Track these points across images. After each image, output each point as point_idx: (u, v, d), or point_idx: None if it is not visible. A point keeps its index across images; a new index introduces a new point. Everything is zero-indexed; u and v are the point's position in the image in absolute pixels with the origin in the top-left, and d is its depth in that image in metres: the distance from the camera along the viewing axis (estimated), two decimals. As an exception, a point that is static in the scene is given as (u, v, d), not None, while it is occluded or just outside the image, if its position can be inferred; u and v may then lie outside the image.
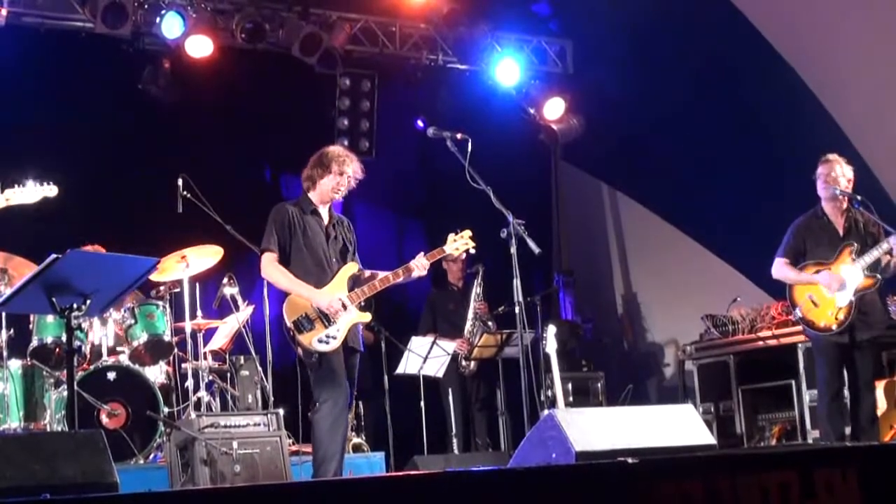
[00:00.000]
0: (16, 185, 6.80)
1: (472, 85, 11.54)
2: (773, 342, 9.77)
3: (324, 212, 6.85)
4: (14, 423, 7.76)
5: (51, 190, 6.84)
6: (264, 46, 10.49)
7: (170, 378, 8.64)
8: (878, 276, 7.54)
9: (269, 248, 6.67)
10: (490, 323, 10.00)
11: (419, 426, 9.45)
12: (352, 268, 6.81)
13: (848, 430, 7.67)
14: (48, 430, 7.77)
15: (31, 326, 8.15)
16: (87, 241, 8.52)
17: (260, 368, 8.75)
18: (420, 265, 6.81)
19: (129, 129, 10.04)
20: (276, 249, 6.66)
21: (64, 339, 7.01)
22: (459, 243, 7.09)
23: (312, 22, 10.59)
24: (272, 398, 8.41)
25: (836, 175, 7.63)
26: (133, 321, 8.41)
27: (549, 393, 9.49)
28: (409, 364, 9.37)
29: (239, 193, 9.79)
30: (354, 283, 6.79)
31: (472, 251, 7.17)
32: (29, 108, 9.39)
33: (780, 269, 7.79)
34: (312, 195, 6.83)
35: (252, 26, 10.27)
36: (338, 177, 6.77)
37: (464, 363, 9.90)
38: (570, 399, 10.45)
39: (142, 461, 7.86)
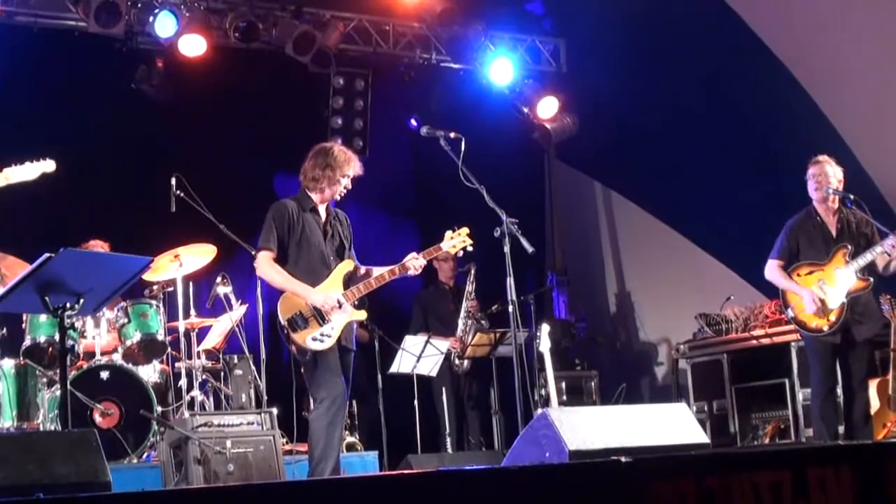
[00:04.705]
0: (14, 164, 6.75)
1: (466, 84, 11.54)
2: (766, 341, 9.79)
3: (322, 208, 6.83)
4: (7, 422, 7.75)
5: (49, 165, 6.76)
6: (258, 45, 10.48)
7: (163, 377, 8.64)
8: (871, 278, 7.57)
9: (266, 246, 6.63)
10: (483, 321, 10.00)
11: (413, 425, 9.45)
12: (347, 265, 6.78)
13: (842, 429, 7.68)
14: (41, 429, 7.76)
15: (24, 326, 8.14)
16: (90, 236, 8.52)
17: (253, 367, 8.76)
18: (415, 265, 6.81)
19: (122, 129, 10.03)
20: (273, 248, 6.63)
21: (57, 338, 7.00)
22: (457, 240, 7.05)
23: (306, 21, 10.59)
24: (266, 397, 8.41)
25: (827, 175, 7.65)
26: (126, 320, 8.40)
27: (543, 392, 9.52)
28: (403, 363, 9.37)
29: (232, 192, 9.78)
30: (350, 280, 6.78)
31: (470, 248, 7.13)
32: (21, 107, 9.38)
33: (772, 271, 7.82)
34: (313, 194, 6.81)
35: (245, 25, 10.26)
36: (344, 179, 6.78)
37: (457, 362, 9.91)
38: (564, 398, 10.46)
39: (135, 460, 7.86)
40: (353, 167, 6.81)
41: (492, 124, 11.02)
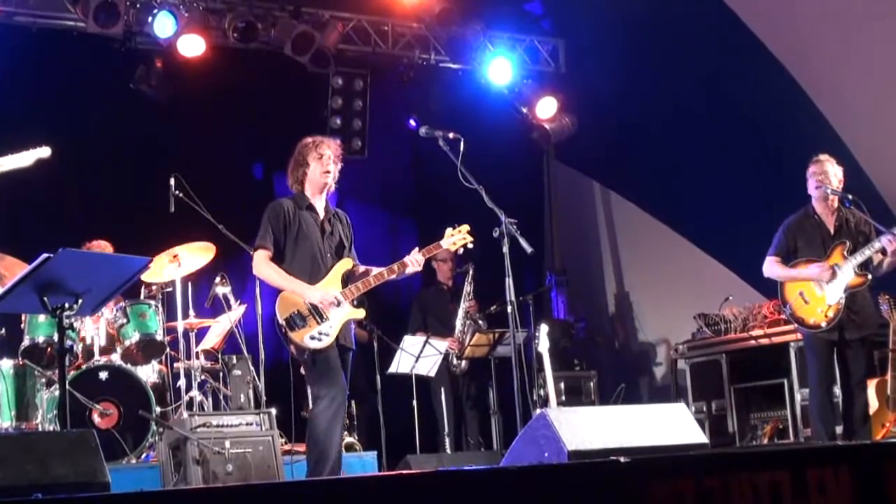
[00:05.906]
0: (8, 154, 6.72)
1: (465, 84, 11.54)
2: (765, 341, 9.79)
3: (319, 206, 6.81)
4: (6, 422, 7.74)
5: (44, 151, 6.72)
6: (256, 45, 10.49)
7: (162, 377, 8.63)
8: (869, 274, 7.57)
9: (262, 245, 6.64)
10: (481, 322, 10.00)
11: (412, 425, 9.45)
12: (346, 264, 6.77)
13: (840, 429, 7.69)
14: (40, 429, 7.75)
15: (22, 326, 8.13)
16: (90, 236, 8.52)
17: (252, 368, 8.75)
18: (415, 260, 6.78)
19: (121, 129, 10.03)
20: (269, 247, 6.63)
21: (56, 338, 6.99)
22: (457, 237, 7.01)
23: (305, 21, 10.59)
24: (264, 397, 8.40)
25: (827, 175, 7.67)
26: (125, 320, 8.39)
27: (542, 392, 9.51)
28: (402, 363, 9.37)
29: (231, 193, 9.78)
30: (348, 279, 6.76)
31: (470, 246, 7.11)
32: (20, 107, 9.37)
33: (771, 266, 7.83)
34: (306, 192, 6.80)
35: (244, 25, 10.26)
36: (319, 160, 6.74)
37: (455, 362, 9.91)
38: (563, 398, 10.46)
39: (134, 461, 7.85)
40: (325, 145, 6.77)
41: (491, 124, 11.02)
